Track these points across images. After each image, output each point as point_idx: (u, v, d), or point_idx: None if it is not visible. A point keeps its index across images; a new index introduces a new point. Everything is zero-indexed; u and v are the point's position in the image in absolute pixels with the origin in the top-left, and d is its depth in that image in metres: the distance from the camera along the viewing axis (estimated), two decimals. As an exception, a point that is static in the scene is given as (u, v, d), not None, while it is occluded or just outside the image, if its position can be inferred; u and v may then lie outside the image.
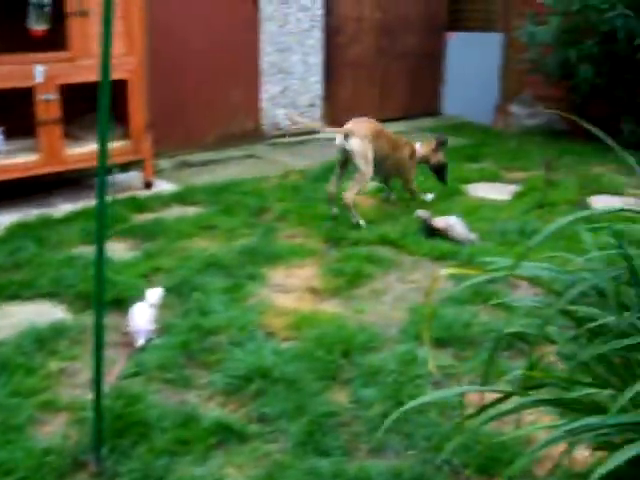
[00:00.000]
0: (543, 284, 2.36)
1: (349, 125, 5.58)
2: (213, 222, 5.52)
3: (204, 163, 7.42)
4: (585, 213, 2.08)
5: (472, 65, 9.84)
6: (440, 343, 3.79)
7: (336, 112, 8.97)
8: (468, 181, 6.87)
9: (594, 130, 2.27)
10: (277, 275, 4.63)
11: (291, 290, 4.43)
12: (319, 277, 4.59)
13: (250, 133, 8.08)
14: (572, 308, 2.13)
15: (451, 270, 3.64)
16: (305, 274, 4.65)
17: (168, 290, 4.33)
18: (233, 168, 7.27)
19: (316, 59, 8.50)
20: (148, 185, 6.43)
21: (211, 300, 4.11)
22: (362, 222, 5.47)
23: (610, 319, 1.98)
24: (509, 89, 9.72)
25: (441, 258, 4.93)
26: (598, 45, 7.85)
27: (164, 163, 7.28)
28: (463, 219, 5.44)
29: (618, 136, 8.43)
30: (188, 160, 7.43)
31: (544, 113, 9.39)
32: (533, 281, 2.54)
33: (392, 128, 9.14)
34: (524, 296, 4.34)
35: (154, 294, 3.98)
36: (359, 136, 5.44)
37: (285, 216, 5.71)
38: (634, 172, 6.79)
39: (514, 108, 9.60)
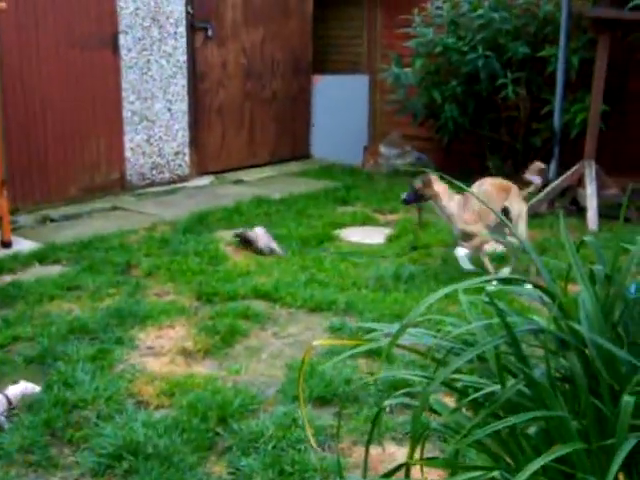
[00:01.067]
0: (424, 354, 2.24)
1: None
2: (77, 282, 5.22)
3: (67, 217, 7.06)
4: (462, 285, 1.96)
5: (340, 107, 9.88)
6: (321, 401, 3.65)
7: (204, 159, 8.80)
8: (340, 225, 6.82)
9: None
10: (146, 337, 4.38)
11: (162, 353, 4.19)
12: (191, 337, 4.37)
13: (115, 184, 7.79)
14: (455, 376, 2.02)
15: (325, 341, 3.53)
16: (176, 334, 4.42)
17: (30, 361, 4.04)
18: (98, 222, 6.96)
19: (181, 106, 8.31)
20: (6, 244, 6.05)
21: (76, 370, 3.82)
22: None
23: (495, 388, 1.88)
24: (377, 130, 9.83)
25: (317, 309, 4.80)
26: (461, 85, 8.01)
27: (24, 219, 6.89)
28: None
29: (484, 173, 8.64)
30: (50, 215, 7.05)
31: (413, 152, 9.52)
32: (413, 350, 2.40)
33: (262, 173, 9.11)
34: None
35: (16, 389, 3.60)
36: None
37: (154, 272, 5.46)
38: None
39: (383, 149, 9.68)
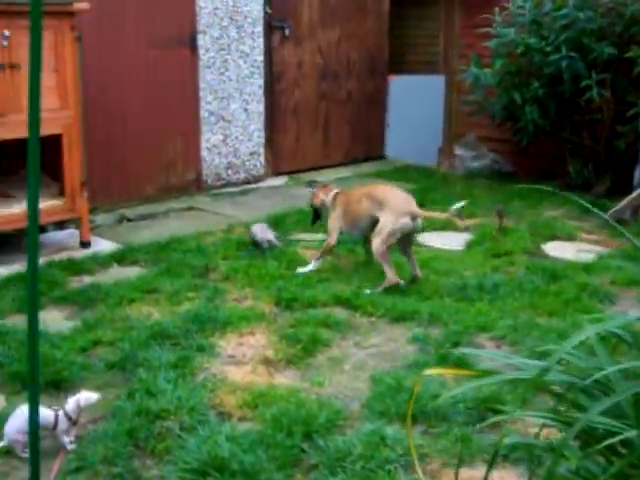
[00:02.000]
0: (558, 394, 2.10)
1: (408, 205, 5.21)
2: (155, 285, 5.19)
3: (143, 217, 7.08)
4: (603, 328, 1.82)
5: (415, 108, 9.73)
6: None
7: (279, 160, 8.75)
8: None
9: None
10: (227, 344, 4.31)
11: (243, 361, 4.12)
12: (273, 345, 4.29)
13: (191, 184, 7.78)
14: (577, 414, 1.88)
15: (436, 371, 3.41)
16: (257, 342, 4.35)
17: (111, 366, 4.01)
18: (174, 222, 6.95)
19: (257, 106, 8.27)
20: (85, 244, 6.07)
21: (158, 378, 3.77)
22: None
23: (631, 434, 1.73)
24: (453, 131, 9.64)
25: (400, 319, 4.68)
26: (543, 87, 7.78)
27: (101, 218, 6.93)
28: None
29: (564, 177, 8.40)
30: (127, 214, 7.08)
31: (489, 155, 9.32)
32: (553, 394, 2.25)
33: (336, 174, 9.01)
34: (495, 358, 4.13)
35: (78, 401, 3.34)
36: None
37: (231, 276, 5.40)
38: (584, 215, 6.69)
39: (458, 150, 9.50)
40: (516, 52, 7.94)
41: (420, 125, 9.72)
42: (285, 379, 3.95)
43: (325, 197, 5.67)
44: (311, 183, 6.18)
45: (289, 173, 8.82)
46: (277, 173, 8.72)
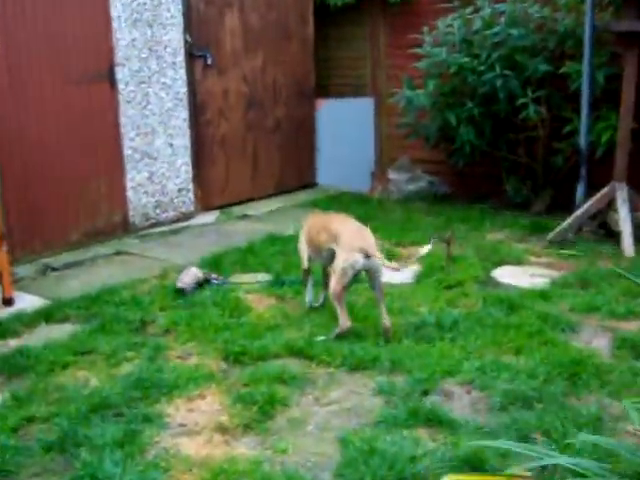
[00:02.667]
0: None
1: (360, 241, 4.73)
2: (90, 345, 4.75)
3: (69, 265, 6.60)
4: None
5: (345, 132, 9.49)
6: (386, 487, 3.20)
7: (209, 195, 8.37)
8: (363, 263, 6.38)
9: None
10: (176, 411, 3.91)
11: (196, 430, 3.73)
12: (226, 409, 3.91)
13: (117, 226, 7.33)
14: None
15: (456, 477, 3.11)
16: (209, 406, 3.96)
17: (48, 448, 3.58)
18: (103, 269, 6.50)
19: (183, 140, 7.88)
20: (8, 302, 5.59)
21: (103, 460, 3.36)
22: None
23: None
24: (386, 155, 9.43)
25: (359, 367, 4.35)
26: (478, 107, 7.60)
27: (24, 269, 6.42)
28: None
29: (502, 196, 8.25)
30: (51, 264, 6.59)
31: (424, 177, 9.12)
32: None
33: (269, 206, 8.68)
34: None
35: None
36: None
37: (172, 329, 4.99)
38: (528, 235, 6.50)
39: (392, 174, 9.28)
40: (448, 72, 7.76)
41: (351, 150, 9.48)
42: (245, 448, 3.58)
43: None
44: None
45: (220, 207, 8.44)
46: (207, 208, 8.34)
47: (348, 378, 4.27)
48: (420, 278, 5.96)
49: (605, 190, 6.84)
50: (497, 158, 8.11)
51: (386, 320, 4.71)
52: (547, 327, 4.81)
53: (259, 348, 4.58)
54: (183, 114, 7.85)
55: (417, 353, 4.45)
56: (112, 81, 7.10)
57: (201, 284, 5.72)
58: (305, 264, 5.24)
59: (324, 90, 9.64)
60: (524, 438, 3.53)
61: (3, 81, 6.20)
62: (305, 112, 9.45)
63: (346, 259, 4.66)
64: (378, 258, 4.64)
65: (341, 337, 4.67)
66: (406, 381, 4.12)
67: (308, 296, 5.29)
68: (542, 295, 5.41)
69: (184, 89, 7.84)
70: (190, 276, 5.71)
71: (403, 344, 4.62)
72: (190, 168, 8.03)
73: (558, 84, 7.52)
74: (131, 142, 7.35)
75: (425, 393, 3.99)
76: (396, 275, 6.00)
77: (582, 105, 7.16)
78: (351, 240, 4.70)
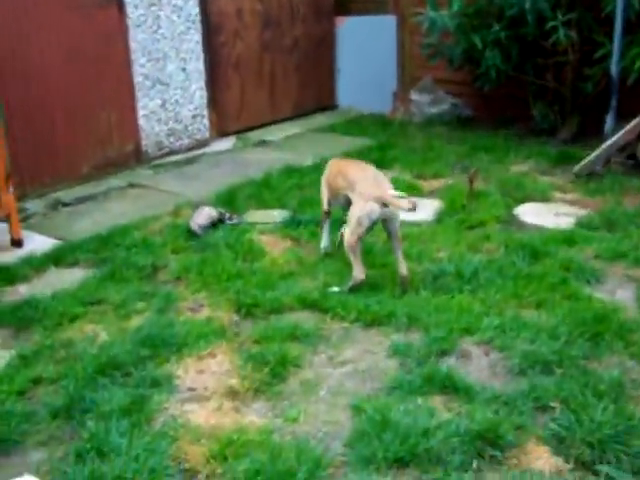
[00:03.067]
0: None
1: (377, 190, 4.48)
2: (99, 294, 4.64)
3: (80, 200, 6.46)
4: None
5: (366, 51, 9.15)
6: (398, 464, 3.09)
7: (225, 120, 8.15)
8: (382, 198, 6.19)
9: None
10: (186, 373, 3.80)
11: (206, 396, 3.62)
12: (237, 370, 3.79)
13: (130, 156, 7.15)
14: None
15: None
16: (219, 367, 3.85)
17: (55, 414, 3.50)
18: (115, 205, 6.35)
19: (196, 64, 7.60)
20: (17, 243, 5.47)
21: (110, 431, 3.26)
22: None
23: None
24: (408, 75, 9.09)
25: (375, 323, 4.20)
26: (505, 30, 7.24)
27: (34, 205, 6.31)
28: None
29: (528, 122, 7.95)
30: (62, 198, 6.46)
31: (447, 99, 8.81)
32: None
33: (286, 131, 8.44)
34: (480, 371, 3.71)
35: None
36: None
37: (183, 276, 4.86)
38: (554, 167, 6.25)
39: (415, 95, 8.97)
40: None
41: (373, 70, 9.15)
42: (255, 416, 3.47)
43: None
44: None
45: (236, 133, 8.23)
46: (223, 134, 8.12)
47: (363, 335, 4.14)
48: (441, 217, 5.76)
49: (636, 120, 6.53)
50: (524, 82, 7.78)
51: (403, 269, 4.54)
52: (571, 277, 4.62)
53: (272, 300, 4.44)
54: (196, 37, 7.56)
55: (435, 307, 4.29)
56: (120, 5, 6.79)
57: (215, 224, 5.56)
58: (325, 206, 5.06)
59: (344, 8, 9.25)
60: (542, 408, 3.41)
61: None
62: (324, 30, 9.10)
63: (362, 208, 4.46)
64: (395, 206, 4.43)
65: (355, 289, 4.52)
66: (422, 340, 3.98)
67: (324, 241, 5.13)
68: (566, 240, 5.20)
69: (196, 10, 7.51)
70: (204, 216, 5.55)
71: (420, 295, 4.46)
72: (205, 93, 7.78)
73: (590, 6, 7.12)
74: (142, 68, 7.10)
75: (442, 354, 3.85)
76: (417, 212, 5.85)
77: (615, 29, 6.79)
78: (367, 188, 4.49)
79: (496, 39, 7.32)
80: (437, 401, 3.49)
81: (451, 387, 3.54)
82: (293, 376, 3.77)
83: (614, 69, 6.87)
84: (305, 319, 4.29)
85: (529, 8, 6.91)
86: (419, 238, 5.33)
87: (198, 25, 7.56)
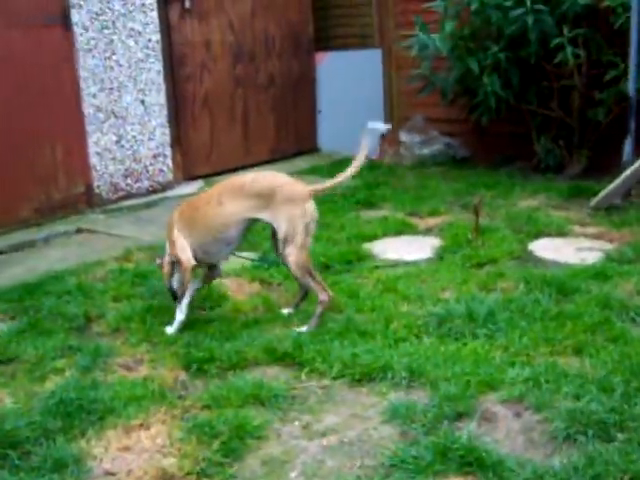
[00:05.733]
0: None
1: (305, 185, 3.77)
2: (13, 350, 3.62)
3: (16, 247, 5.48)
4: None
5: (349, 90, 8.28)
6: None
7: (191, 162, 7.20)
8: (371, 237, 5.23)
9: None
10: (105, 450, 2.77)
11: (128, 483, 2.59)
12: (175, 446, 2.76)
13: (79, 199, 6.18)
14: None
15: None
16: (152, 442, 2.80)
17: None
18: (55, 252, 5.37)
19: (157, 97, 6.69)
20: None
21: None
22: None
23: None
24: (396, 114, 8.19)
25: (365, 379, 3.18)
26: (504, 51, 6.39)
27: (-39, 252, 5.34)
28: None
29: (532, 159, 7.05)
30: (-5, 245, 5.49)
31: (440, 139, 7.92)
32: None
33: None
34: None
35: None
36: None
37: (123, 327, 3.85)
38: (567, 202, 5.28)
39: (403, 136, 8.08)
40: (469, 11, 6.55)
41: (357, 109, 8.24)
42: (194, 511, 2.44)
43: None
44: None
45: (205, 177, 7.27)
46: (190, 177, 7.17)
47: (350, 395, 3.11)
48: (442, 254, 4.79)
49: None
50: (525, 113, 6.90)
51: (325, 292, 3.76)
52: (612, 316, 3.64)
53: (231, 352, 3.42)
54: (156, 66, 6.67)
55: (443, 357, 3.28)
56: (66, 25, 5.92)
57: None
58: (189, 261, 3.73)
59: (325, 42, 8.43)
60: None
61: None
62: (303, 66, 8.25)
63: (304, 211, 3.62)
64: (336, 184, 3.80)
65: (341, 333, 3.52)
66: (430, 399, 2.96)
67: (181, 314, 3.77)
68: (598, 274, 4.22)
69: (157, 37, 6.64)
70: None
71: (423, 343, 3.46)
72: (167, 130, 6.85)
73: (598, 22, 6.31)
74: (93, 99, 6.19)
75: (457, 417, 2.83)
76: (411, 250, 4.90)
77: (631, 44, 5.97)
78: (296, 188, 3.68)
79: (495, 62, 6.46)
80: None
81: (475, 463, 2.51)
82: (253, 453, 2.73)
83: (631, 88, 6.01)
84: (273, 376, 3.27)
85: (531, 25, 6.06)
86: (418, 277, 4.35)
87: (159, 54, 6.68)
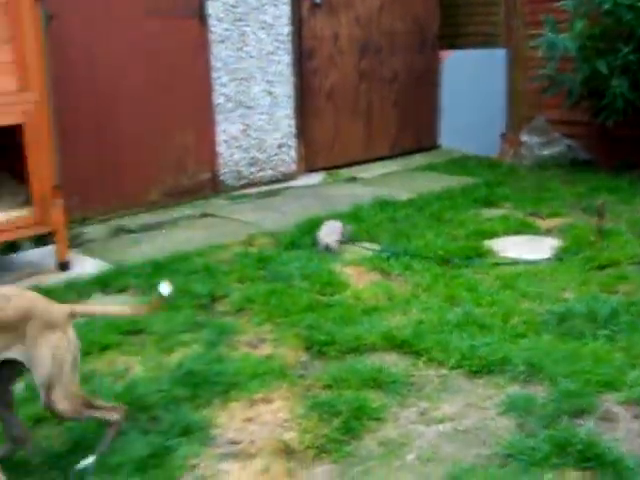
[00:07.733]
0: None
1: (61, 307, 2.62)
2: (142, 323, 3.80)
3: (146, 228, 5.74)
4: None
5: (473, 88, 8.25)
6: None
7: (314, 153, 7.34)
8: (491, 235, 5.23)
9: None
10: (229, 421, 2.90)
11: (250, 452, 2.69)
12: (296, 421, 2.87)
13: (205, 185, 6.41)
14: None
15: None
16: (274, 416, 2.93)
17: (51, 465, 2.64)
18: (182, 233, 5.59)
19: (285, 89, 6.86)
20: (63, 266, 4.74)
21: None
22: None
23: None
24: (518, 114, 8.12)
25: (483, 371, 3.21)
26: (635, 52, 6.25)
27: (94, 230, 5.63)
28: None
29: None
30: (125, 225, 5.75)
31: (562, 141, 7.80)
32: None
33: (382, 168, 7.61)
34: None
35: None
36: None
37: (246, 307, 4.00)
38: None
39: (525, 137, 7.99)
40: (600, 11, 6.43)
41: (479, 108, 8.23)
42: (315, 487, 2.53)
43: None
44: None
45: (326, 169, 7.40)
46: (312, 169, 7.32)
47: (467, 385, 3.15)
48: (562, 255, 4.74)
49: None
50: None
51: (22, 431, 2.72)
52: None
53: (351, 337, 3.52)
54: (286, 59, 6.83)
55: (563, 354, 3.28)
56: (202, 17, 6.14)
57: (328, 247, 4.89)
58: None
59: (450, 40, 8.42)
60: None
61: (73, 5, 5.36)
62: (427, 63, 8.28)
63: (70, 340, 2.55)
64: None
65: (462, 326, 3.55)
66: (549, 394, 2.97)
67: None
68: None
69: (287, 30, 6.81)
70: (337, 231, 5.06)
71: (543, 340, 3.46)
72: (293, 122, 7.01)
73: None
74: (224, 88, 6.40)
75: (577, 414, 2.83)
76: (530, 250, 4.87)
77: None
78: (50, 307, 2.57)
79: (625, 63, 6.33)
80: (573, 477, 2.47)
81: (594, 459, 2.51)
82: (371, 433, 2.81)
83: None
84: (392, 362, 3.34)
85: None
86: (537, 276, 4.33)
87: (289, 46, 6.84)
